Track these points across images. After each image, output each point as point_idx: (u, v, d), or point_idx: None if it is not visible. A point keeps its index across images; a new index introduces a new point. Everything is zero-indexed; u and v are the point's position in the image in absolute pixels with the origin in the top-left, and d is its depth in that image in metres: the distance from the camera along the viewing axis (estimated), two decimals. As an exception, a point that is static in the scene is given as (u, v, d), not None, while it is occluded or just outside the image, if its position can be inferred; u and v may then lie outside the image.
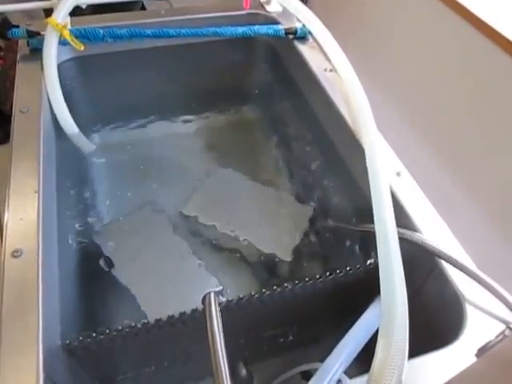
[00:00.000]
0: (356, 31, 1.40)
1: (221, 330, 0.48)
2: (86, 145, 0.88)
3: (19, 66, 0.79)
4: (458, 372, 0.35)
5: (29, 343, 0.45)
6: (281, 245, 0.80)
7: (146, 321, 0.54)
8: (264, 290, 0.57)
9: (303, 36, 0.90)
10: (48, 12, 0.79)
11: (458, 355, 0.46)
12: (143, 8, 1.62)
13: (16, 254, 0.51)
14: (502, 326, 0.48)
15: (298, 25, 0.90)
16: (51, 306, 0.53)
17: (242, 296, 0.57)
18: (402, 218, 0.59)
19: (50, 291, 0.54)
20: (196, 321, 0.55)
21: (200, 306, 0.54)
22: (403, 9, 1.18)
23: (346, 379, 0.48)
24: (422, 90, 1.15)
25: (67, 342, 0.52)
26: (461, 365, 0.43)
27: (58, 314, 0.55)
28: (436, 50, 1.07)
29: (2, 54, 1.39)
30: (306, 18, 0.83)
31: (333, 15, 1.47)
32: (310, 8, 0.82)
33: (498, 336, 0.42)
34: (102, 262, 0.73)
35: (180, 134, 1.09)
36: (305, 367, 0.57)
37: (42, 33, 0.79)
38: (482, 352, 0.42)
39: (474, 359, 0.43)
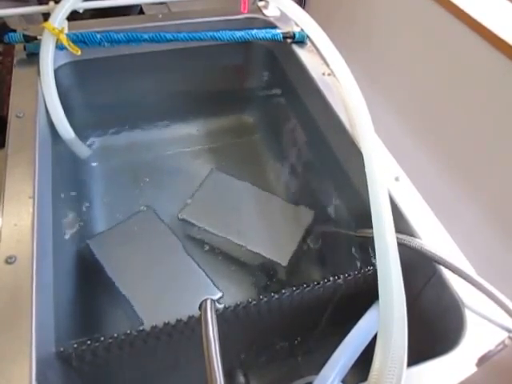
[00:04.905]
0: (353, 34, 1.40)
1: (216, 337, 0.47)
2: (83, 150, 0.88)
3: (16, 71, 0.78)
4: (458, 382, 0.34)
5: (22, 351, 0.44)
6: (279, 250, 0.79)
7: (142, 328, 0.53)
8: (261, 297, 0.56)
9: (301, 40, 0.90)
10: (47, 16, 0.79)
11: (458, 364, 0.45)
12: (141, 12, 1.62)
13: (10, 260, 0.51)
14: (502, 333, 0.47)
15: (296, 29, 0.90)
16: (45, 314, 0.52)
17: (239, 303, 0.56)
18: (401, 224, 0.58)
19: (44, 298, 0.53)
20: (193, 328, 0.55)
21: (197, 313, 0.53)
22: (400, 11, 1.18)
23: (343, 389, 0.47)
24: (420, 94, 1.14)
25: (61, 349, 0.51)
26: (460, 374, 0.42)
27: (52, 321, 0.54)
28: (435, 53, 1.07)
29: (0, 58, 1.39)
30: (304, 22, 0.82)
31: (329, 18, 1.47)
32: (307, 11, 0.82)
33: (498, 345, 0.41)
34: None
35: (178, 139, 1.09)
36: (301, 382, 0.56)
37: (38, 37, 0.79)
38: (482, 361, 0.42)
39: (474, 368, 0.43)
